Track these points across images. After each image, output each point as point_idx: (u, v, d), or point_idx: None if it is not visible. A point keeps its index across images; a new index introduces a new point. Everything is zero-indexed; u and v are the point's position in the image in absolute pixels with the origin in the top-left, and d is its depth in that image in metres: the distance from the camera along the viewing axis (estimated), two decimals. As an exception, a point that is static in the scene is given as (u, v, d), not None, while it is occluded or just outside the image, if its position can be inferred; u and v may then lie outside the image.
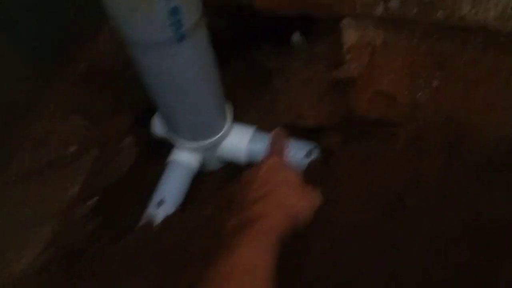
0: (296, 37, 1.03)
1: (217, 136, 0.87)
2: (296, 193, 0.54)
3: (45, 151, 0.74)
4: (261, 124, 1.11)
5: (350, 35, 0.87)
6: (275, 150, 0.65)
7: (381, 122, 0.83)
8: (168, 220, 0.81)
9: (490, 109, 0.79)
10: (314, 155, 0.89)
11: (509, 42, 0.82)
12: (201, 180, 0.96)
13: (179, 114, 0.79)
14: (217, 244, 0.47)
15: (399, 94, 0.82)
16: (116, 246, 0.72)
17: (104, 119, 0.83)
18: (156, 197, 0.85)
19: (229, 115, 0.90)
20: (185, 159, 0.89)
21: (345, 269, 0.69)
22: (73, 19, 0.84)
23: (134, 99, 0.89)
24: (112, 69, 0.88)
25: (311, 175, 0.85)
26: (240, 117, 1.10)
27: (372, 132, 0.85)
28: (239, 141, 0.90)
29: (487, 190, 0.74)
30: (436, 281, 0.65)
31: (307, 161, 0.88)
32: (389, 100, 0.82)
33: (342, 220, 0.76)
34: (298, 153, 0.89)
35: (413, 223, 0.74)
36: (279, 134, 0.70)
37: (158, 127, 0.92)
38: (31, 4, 0.74)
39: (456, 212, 0.72)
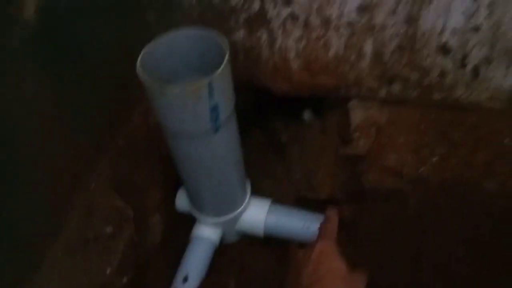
0: (307, 114, 1.12)
1: (237, 211, 0.93)
2: (344, 282, 0.56)
3: (89, 224, 0.79)
4: (276, 194, 1.18)
5: (357, 115, 0.96)
6: (328, 232, 0.66)
7: (390, 193, 0.90)
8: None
9: (490, 171, 0.87)
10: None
11: (501, 115, 0.92)
12: (221, 252, 1.00)
13: (205, 193, 0.86)
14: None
15: (405, 169, 0.89)
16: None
17: (138, 196, 0.89)
18: (180, 273, 0.89)
19: (248, 190, 0.97)
20: (206, 234, 0.94)
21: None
22: (109, 102, 0.93)
23: (164, 175, 0.96)
24: (145, 148, 0.95)
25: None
26: (256, 186, 1.17)
27: (384, 201, 0.91)
28: (257, 215, 0.95)
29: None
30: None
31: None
32: (396, 175, 0.90)
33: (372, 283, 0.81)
34: (311, 225, 0.94)
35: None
36: (334, 215, 0.70)
37: (182, 203, 0.98)
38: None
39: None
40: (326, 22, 0.85)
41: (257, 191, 1.13)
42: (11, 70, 0.65)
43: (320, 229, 0.67)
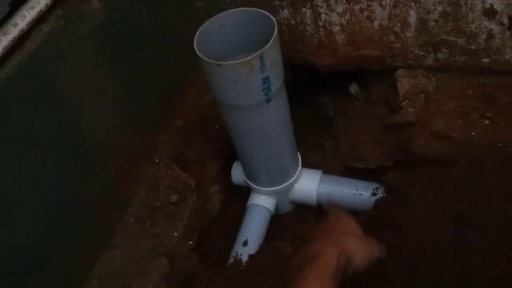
0: (353, 87, 1.15)
1: (289, 181, 0.98)
2: (353, 238, 0.60)
3: (155, 196, 0.88)
4: (325, 166, 1.22)
5: (405, 83, 0.98)
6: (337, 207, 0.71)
7: (440, 158, 0.92)
8: (253, 259, 0.91)
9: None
10: (379, 193, 0.97)
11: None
12: (276, 221, 1.06)
13: (259, 164, 0.92)
14: (286, 278, 0.56)
15: (455, 133, 0.90)
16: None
17: (197, 168, 0.97)
18: (240, 238, 0.96)
19: (299, 161, 1.02)
20: (262, 203, 1.00)
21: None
22: (166, 85, 1.01)
23: (218, 150, 1.03)
24: (200, 125, 1.03)
25: (381, 210, 0.94)
26: (305, 160, 1.22)
27: (434, 166, 0.93)
28: (309, 185, 1.01)
29: None
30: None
31: (373, 199, 0.97)
32: (446, 140, 0.91)
33: (416, 239, 0.84)
34: (364, 192, 0.98)
35: (480, 236, 0.82)
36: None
37: (237, 175, 1.05)
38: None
39: None
40: (369, -6, 0.88)
41: (306, 165, 1.18)
42: (81, 57, 0.74)
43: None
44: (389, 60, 0.99)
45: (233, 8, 0.78)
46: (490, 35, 0.86)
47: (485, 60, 0.91)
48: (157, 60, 0.96)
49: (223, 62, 0.68)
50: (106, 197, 0.85)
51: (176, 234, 0.87)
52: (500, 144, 0.88)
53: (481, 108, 0.93)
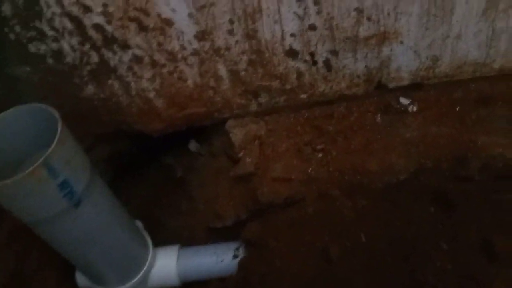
0: (193, 144, 1.09)
1: (143, 270, 0.87)
2: None
3: None
4: (186, 229, 1.14)
5: (237, 133, 0.95)
6: None
7: (287, 202, 0.90)
8: None
9: (369, 153, 0.91)
10: (240, 254, 0.92)
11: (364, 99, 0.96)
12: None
13: (98, 265, 0.79)
14: None
15: (292, 175, 0.90)
16: None
17: (29, 285, 0.81)
18: None
19: (149, 244, 0.92)
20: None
21: None
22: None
23: (55, 256, 0.87)
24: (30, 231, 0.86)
25: (246, 271, 0.89)
26: (164, 226, 1.12)
27: (283, 210, 0.91)
28: (167, 265, 0.91)
29: (396, 211, 0.84)
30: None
31: (236, 261, 0.91)
32: (287, 182, 0.90)
33: (287, 281, 0.82)
34: (225, 256, 0.92)
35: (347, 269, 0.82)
36: None
37: (82, 280, 0.90)
38: None
39: (377, 237, 0.83)
40: (172, 56, 0.83)
41: (165, 231, 1.09)
42: None
43: None
44: (216, 114, 0.95)
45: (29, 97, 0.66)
46: (300, 73, 0.88)
47: (303, 96, 0.93)
48: None
49: (1, 182, 0.55)
50: None
51: None
52: (337, 173, 0.90)
53: (312, 141, 0.94)
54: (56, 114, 0.61)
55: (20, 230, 0.87)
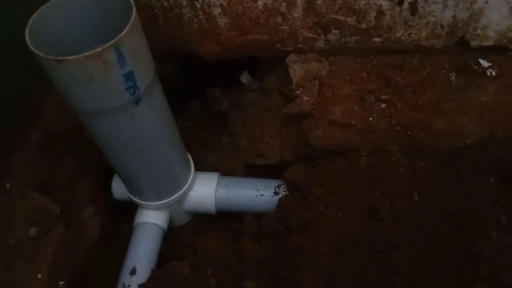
0: (245, 77, 1.04)
1: (182, 190, 0.85)
2: None
3: (7, 232, 0.68)
4: (223, 165, 1.10)
5: (297, 70, 0.89)
6: None
7: (341, 148, 0.85)
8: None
9: (438, 111, 0.84)
10: (282, 192, 0.88)
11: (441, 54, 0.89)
12: (172, 237, 0.92)
13: (141, 176, 0.77)
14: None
15: (352, 120, 0.84)
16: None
17: (64, 190, 0.79)
18: (127, 266, 0.80)
19: (192, 166, 0.89)
20: (151, 219, 0.85)
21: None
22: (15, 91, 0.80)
23: (92, 164, 0.85)
24: (65, 135, 0.84)
25: (286, 211, 0.85)
26: (201, 161, 1.09)
27: (335, 156, 0.86)
28: (206, 191, 0.88)
29: (458, 179, 0.79)
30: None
31: (276, 198, 0.88)
32: (345, 128, 0.85)
33: (330, 241, 0.78)
34: (265, 192, 0.88)
35: (395, 229, 0.77)
36: None
37: (118, 190, 0.88)
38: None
39: (433, 203, 0.78)
40: (249, -31, 0.76)
41: (202, 165, 1.05)
42: None
43: None
44: (278, 45, 0.89)
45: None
46: (380, 12, 0.81)
47: (377, 39, 0.86)
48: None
49: (64, 57, 0.51)
50: None
51: (39, 276, 0.68)
52: (399, 128, 0.84)
53: (377, 90, 0.88)
54: (130, 1, 0.56)
55: (55, 136, 0.85)
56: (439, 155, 0.81)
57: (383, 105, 0.86)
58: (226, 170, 1.04)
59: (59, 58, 0.51)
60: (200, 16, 0.85)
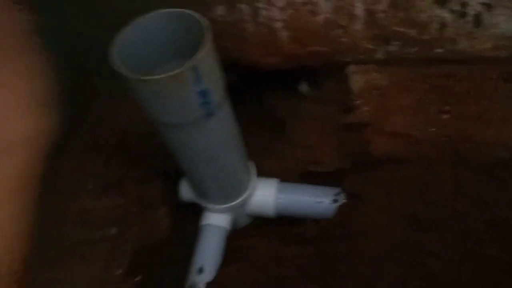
0: (304, 87, 1.07)
1: (245, 195, 0.90)
2: None
3: (91, 229, 0.76)
4: (280, 171, 1.14)
5: (357, 80, 0.92)
6: None
7: (402, 159, 0.86)
8: (211, 287, 0.82)
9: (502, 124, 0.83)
10: (340, 200, 0.91)
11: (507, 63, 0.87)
12: (232, 237, 0.97)
13: (208, 182, 0.82)
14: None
15: (414, 131, 0.85)
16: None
17: (138, 190, 0.86)
18: (194, 265, 0.86)
19: (253, 172, 0.93)
20: (217, 222, 0.91)
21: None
22: (97, 97, 0.89)
23: (162, 166, 0.92)
24: (140, 138, 0.91)
25: (343, 218, 0.88)
26: (259, 167, 1.13)
27: (396, 168, 0.87)
28: (266, 195, 0.92)
29: (503, 190, 0.77)
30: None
31: (334, 206, 0.90)
32: (405, 138, 0.86)
33: (375, 237, 0.80)
34: (324, 199, 0.91)
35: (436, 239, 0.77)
36: None
37: (186, 193, 0.94)
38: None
39: (476, 213, 0.77)
40: (311, -14, 0.80)
41: (259, 172, 1.10)
42: None
43: None
44: (337, 56, 0.92)
45: (157, 7, 0.67)
46: (443, 25, 0.81)
47: (439, 50, 0.86)
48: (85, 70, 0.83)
49: (149, 77, 0.57)
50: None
51: (120, 271, 0.76)
52: (460, 138, 0.84)
53: (438, 101, 0.88)
54: (204, 20, 0.62)
55: (129, 141, 0.93)
56: (484, 166, 0.80)
57: (445, 116, 0.86)
58: (282, 177, 1.08)
59: (144, 78, 0.57)
60: (262, 31, 0.90)
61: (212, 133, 0.70)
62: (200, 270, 0.84)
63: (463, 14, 0.79)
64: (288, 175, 1.10)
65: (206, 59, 0.60)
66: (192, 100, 0.61)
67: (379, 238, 0.79)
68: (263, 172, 1.09)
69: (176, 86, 0.58)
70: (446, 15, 0.79)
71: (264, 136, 1.21)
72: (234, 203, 0.89)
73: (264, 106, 1.22)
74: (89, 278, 0.76)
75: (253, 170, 0.93)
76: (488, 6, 0.77)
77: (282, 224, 1.01)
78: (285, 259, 0.86)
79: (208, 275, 0.84)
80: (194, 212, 0.98)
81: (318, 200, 0.91)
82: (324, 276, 0.79)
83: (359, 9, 0.82)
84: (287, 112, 1.16)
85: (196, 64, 0.58)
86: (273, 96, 1.21)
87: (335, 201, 0.91)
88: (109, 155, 0.90)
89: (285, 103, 1.17)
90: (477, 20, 0.79)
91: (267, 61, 0.97)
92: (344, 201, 0.91)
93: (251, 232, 1.00)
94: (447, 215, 0.78)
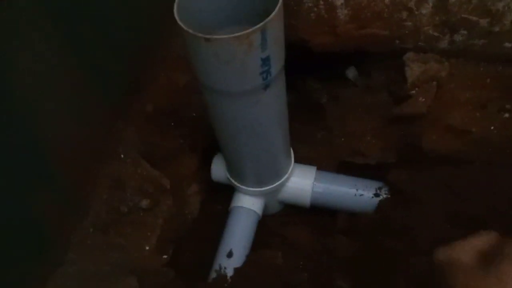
0: (351, 71, 1.01)
1: (282, 180, 0.85)
2: None
3: (120, 199, 0.72)
4: (316, 159, 1.08)
5: (414, 69, 0.85)
6: None
7: (454, 156, 0.80)
8: (239, 273, 0.78)
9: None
10: (383, 194, 0.85)
11: None
12: (262, 224, 0.93)
13: (248, 161, 0.77)
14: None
15: (473, 128, 0.79)
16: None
17: (171, 165, 0.81)
18: (223, 248, 0.81)
19: (292, 157, 0.88)
20: (249, 205, 0.86)
21: None
22: (132, 63, 0.83)
23: (196, 141, 0.87)
24: (174, 111, 0.86)
25: (386, 214, 0.82)
26: (294, 153, 1.08)
27: (447, 164, 0.82)
28: (303, 184, 0.87)
29: None
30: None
31: (376, 200, 0.85)
32: (462, 135, 0.80)
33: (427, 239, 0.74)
34: (365, 192, 0.86)
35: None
36: None
37: (218, 172, 0.90)
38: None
39: None
40: (383, -40, 0.73)
41: (295, 158, 1.05)
42: (23, 31, 0.56)
43: None
44: (397, 41, 0.86)
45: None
46: (519, 16, 0.75)
47: (508, 45, 0.80)
48: (121, 33, 0.78)
49: (213, 36, 0.52)
50: (61, 201, 0.67)
51: (147, 247, 0.71)
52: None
53: (499, 99, 0.82)
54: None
55: (163, 112, 0.87)
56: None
57: (506, 115, 0.80)
58: (318, 165, 1.02)
59: (208, 36, 0.52)
60: (321, 6, 0.84)
61: (265, 107, 0.64)
62: (230, 254, 0.80)
63: (545, 6, 0.72)
64: (324, 163, 1.04)
65: (275, 25, 0.54)
66: (254, 67, 0.56)
67: (435, 238, 0.73)
68: (298, 159, 1.04)
69: (241, 49, 0.53)
70: (526, 5, 0.73)
71: (303, 120, 1.15)
72: (269, 187, 0.84)
73: (306, 91, 1.16)
74: (116, 248, 0.71)
75: (292, 155, 0.88)
76: None
77: (313, 214, 0.96)
78: (335, 251, 0.82)
79: (237, 260, 0.79)
80: (224, 192, 0.93)
81: (358, 193, 0.86)
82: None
83: (430, -9, 0.75)
84: (329, 97, 1.10)
85: (265, 27, 0.52)
86: (316, 81, 1.15)
87: (376, 195, 0.86)
88: (143, 124, 0.85)
89: (329, 88, 1.11)
90: (560, 15, 0.73)
91: (320, 40, 0.91)
92: (387, 196, 0.86)
93: (283, 219, 0.96)
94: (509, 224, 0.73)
